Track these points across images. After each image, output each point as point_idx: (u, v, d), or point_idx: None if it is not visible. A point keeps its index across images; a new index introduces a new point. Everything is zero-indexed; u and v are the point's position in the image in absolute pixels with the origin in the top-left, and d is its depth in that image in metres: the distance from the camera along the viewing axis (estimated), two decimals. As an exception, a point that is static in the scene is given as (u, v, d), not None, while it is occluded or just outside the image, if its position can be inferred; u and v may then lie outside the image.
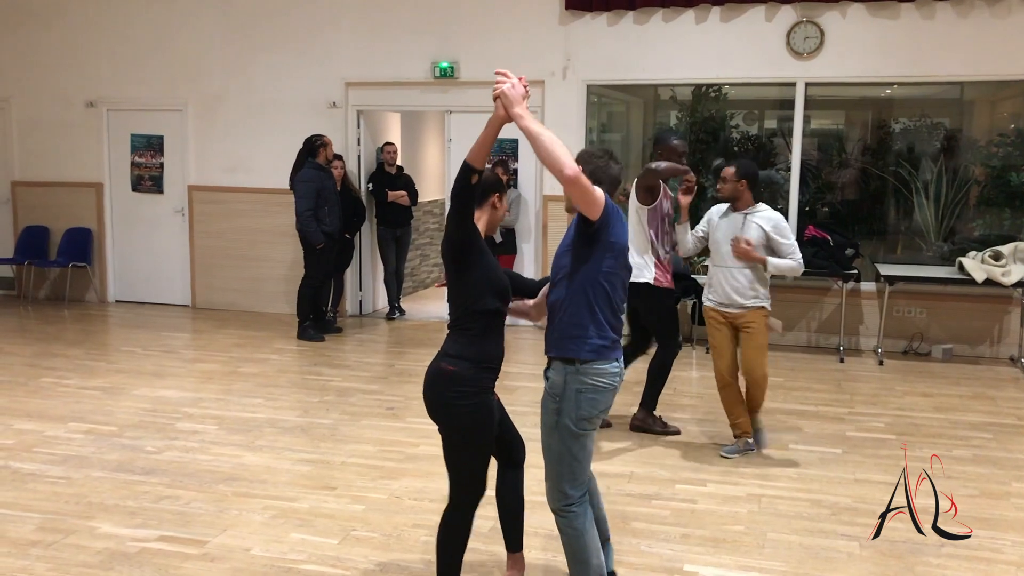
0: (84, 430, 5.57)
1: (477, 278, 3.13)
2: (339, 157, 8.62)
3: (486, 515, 4.25)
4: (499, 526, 4.15)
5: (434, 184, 10.98)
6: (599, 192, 3.07)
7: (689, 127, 8.63)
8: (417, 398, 3.43)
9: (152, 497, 4.52)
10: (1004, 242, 7.57)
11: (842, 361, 7.63)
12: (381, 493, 4.59)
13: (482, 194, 3.20)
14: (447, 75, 8.74)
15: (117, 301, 10.10)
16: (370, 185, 9.15)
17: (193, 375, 6.97)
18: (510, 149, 8.76)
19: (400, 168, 9.28)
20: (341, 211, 8.36)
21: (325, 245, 8.11)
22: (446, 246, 3.15)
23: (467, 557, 3.36)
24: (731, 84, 8.43)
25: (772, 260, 5.04)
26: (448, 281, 3.21)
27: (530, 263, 8.83)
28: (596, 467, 4.97)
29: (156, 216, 9.87)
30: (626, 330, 5.30)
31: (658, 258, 5.44)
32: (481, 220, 3.24)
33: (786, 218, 8.04)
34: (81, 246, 9.93)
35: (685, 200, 5.38)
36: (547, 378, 3.26)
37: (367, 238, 9.39)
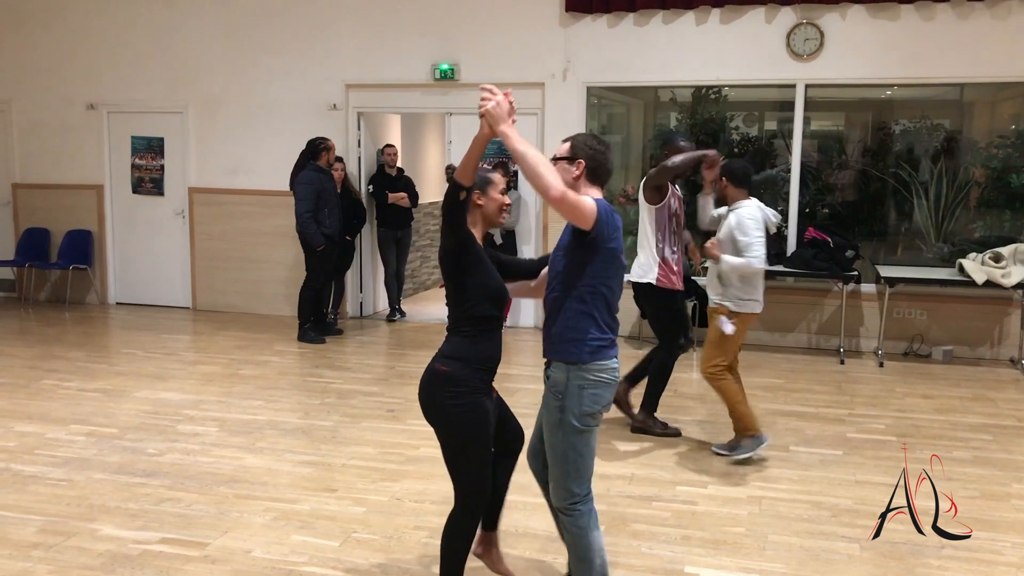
0: (85, 432, 5.58)
1: (473, 285, 3.17)
2: (340, 159, 8.62)
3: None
4: (501, 527, 4.16)
5: (434, 186, 10.99)
6: (588, 204, 3.06)
7: (689, 129, 8.64)
8: (417, 399, 3.43)
9: (153, 499, 4.52)
10: (1004, 244, 7.58)
11: (842, 363, 7.63)
12: (382, 495, 4.60)
13: (469, 197, 3.20)
14: (447, 77, 8.75)
15: (118, 303, 10.11)
16: (370, 187, 9.16)
17: (194, 377, 6.97)
18: (510, 152, 8.76)
19: (400, 170, 9.29)
20: (341, 213, 8.37)
21: (325, 247, 8.12)
22: (442, 255, 3.19)
23: (470, 558, 3.36)
24: (731, 86, 8.44)
25: (725, 258, 5.03)
26: (446, 287, 3.24)
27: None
28: (597, 467, 4.98)
29: (157, 218, 9.88)
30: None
31: (663, 258, 5.44)
32: (475, 224, 3.25)
33: (786, 219, 8.19)
34: (82, 248, 9.93)
35: (710, 175, 5.33)
36: (547, 377, 3.27)
37: (367, 240, 9.40)
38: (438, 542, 3.38)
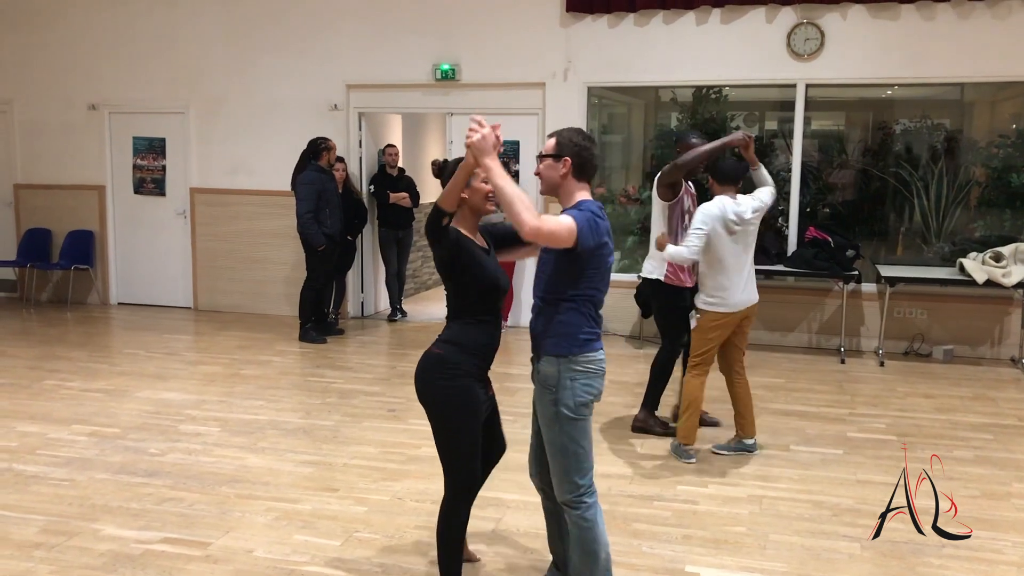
0: (87, 432, 5.59)
1: (469, 283, 3.25)
2: (341, 159, 8.63)
3: (487, 516, 4.27)
4: (499, 527, 4.17)
5: (435, 186, 10.98)
6: (565, 228, 3.05)
7: (690, 128, 8.64)
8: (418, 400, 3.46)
9: (155, 499, 4.53)
10: (1005, 243, 7.58)
11: (843, 362, 7.64)
12: (383, 495, 4.60)
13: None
14: (448, 77, 8.76)
15: (119, 303, 10.12)
16: (371, 187, 9.17)
17: (195, 377, 6.98)
18: (511, 151, 8.78)
19: (401, 170, 9.30)
20: (343, 213, 8.37)
21: (326, 247, 8.13)
22: (436, 261, 3.27)
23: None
24: (732, 85, 8.44)
25: (668, 247, 5.08)
26: (444, 284, 3.33)
27: (531, 263, 8.82)
28: (598, 467, 4.99)
29: (158, 218, 9.89)
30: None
31: None
32: (465, 220, 3.27)
33: (787, 219, 8.19)
34: (83, 249, 9.95)
35: (749, 156, 5.24)
36: (537, 372, 3.29)
37: (369, 240, 9.41)
38: (439, 541, 3.41)
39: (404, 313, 9.41)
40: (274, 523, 4.25)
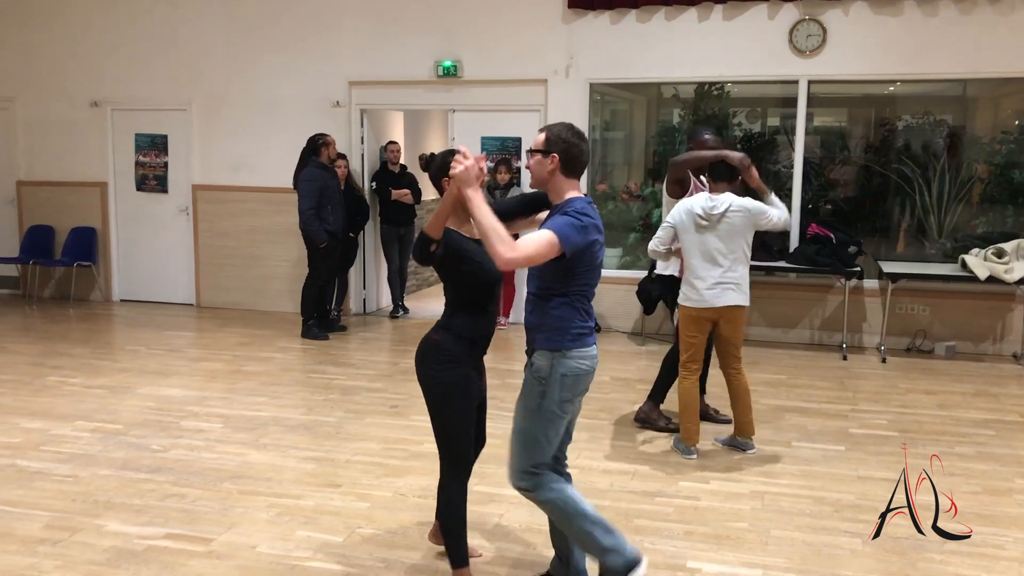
0: (90, 428, 5.60)
1: (462, 278, 3.36)
2: (343, 156, 8.64)
3: (489, 512, 4.28)
4: (501, 522, 4.18)
5: (437, 183, 10.98)
6: (543, 246, 3.08)
7: (692, 125, 8.64)
8: (421, 396, 3.48)
9: (158, 495, 4.54)
10: (1007, 239, 7.57)
11: (845, 359, 7.64)
12: (386, 491, 4.61)
13: (436, 183, 3.40)
14: (450, 74, 8.76)
15: (122, 300, 10.13)
16: (373, 184, 9.18)
17: (198, 374, 7.00)
18: (513, 148, 8.78)
19: (403, 167, 9.30)
20: (345, 210, 8.38)
21: (328, 244, 8.13)
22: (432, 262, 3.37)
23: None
24: (734, 82, 8.44)
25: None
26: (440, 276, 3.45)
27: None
28: (600, 463, 5.00)
29: (160, 215, 9.90)
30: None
31: None
32: (456, 212, 3.30)
33: (790, 214, 8.16)
34: (86, 245, 9.96)
35: (753, 181, 5.15)
36: (531, 364, 3.32)
37: (371, 237, 9.41)
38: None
39: (406, 309, 9.41)
40: (277, 519, 4.26)
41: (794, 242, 8.16)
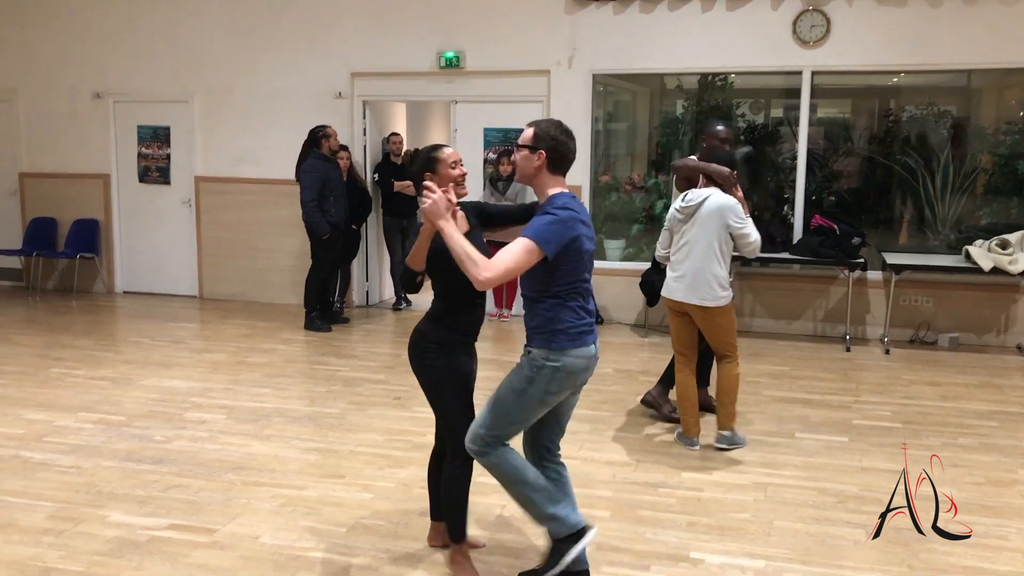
0: (93, 420, 5.61)
1: (445, 277, 3.41)
2: (345, 148, 8.63)
3: (492, 502, 4.28)
4: (505, 513, 4.19)
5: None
6: (519, 251, 3.10)
7: (695, 116, 8.62)
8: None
9: (161, 486, 4.55)
10: (1011, 230, 7.56)
11: (848, 350, 7.63)
12: (389, 482, 4.62)
13: (418, 180, 3.44)
14: (453, 65, 8.74)
15: (125, 292, 10.14)
16: (376, 175, 9.17)
17: (201, 365, 7.00)
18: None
19: (406, 158, 9.29)
20: (347, 202, 8.37)
21: (331, 235, 8.13)
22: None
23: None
24: (737, 73, 8.41)
25: None
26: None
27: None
28: (603, 455, 5.01)
29: (163, 207, 9.90)
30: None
31: None
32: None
33: (792, 207, 8.18)
34: (89, 237, 9.97)
35: (736, 197, 5.05)
36: (528, 352, 3.32)
37: (373, 229, 9.41)
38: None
39: (409, 302, 9.41)
40: (280, 510, 4.27)
41: (798, 233, 8.14)
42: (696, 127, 8.45)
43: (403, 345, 7.81)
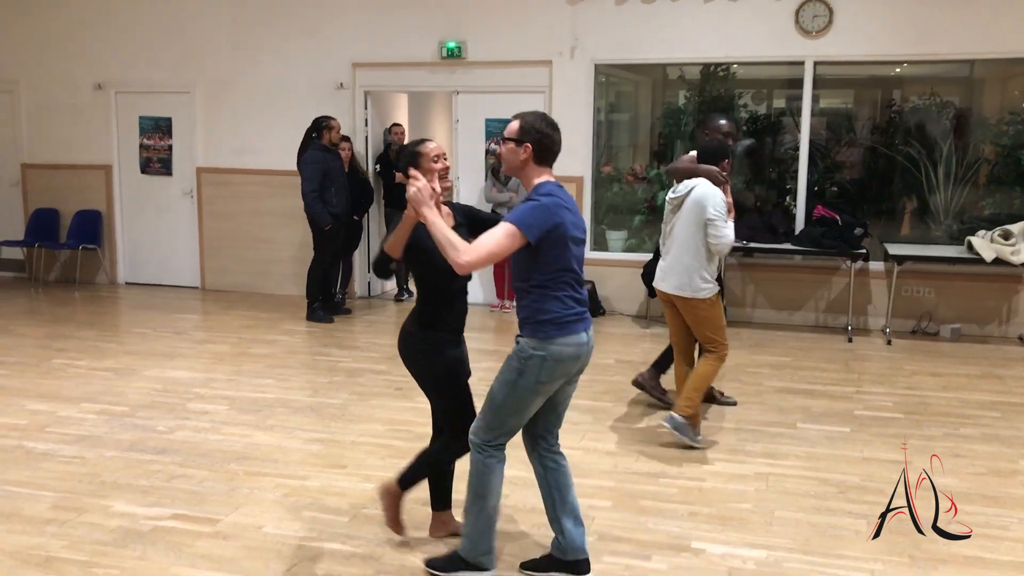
0: (96, 410, 5.62)
1: (424, 270, 3.50)
2: (347, 139, 8.62)
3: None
4: (507, 503, 4.19)
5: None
6: (501, 235, 3.12)
7: (698, 106, 8.60)
8: (424, 378, 3.52)
9: (164, 476, 4.56)
10: (1014, 221, 7.55)
11: (850, 341, 7.63)
12: (391, 472, 4.61)
13: (404, 173, 3.48)
14: (454, 55, 8.72)
15: (127, 283, 10.15)
16: (378, 166, 9.16)
17: (203, 356, 7.01)
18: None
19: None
20: (349, 193, 8.37)
21: (333, 226, 8.12)
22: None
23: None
24: (739, 63, 8.39)
25: None
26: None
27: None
28: (604, 445, 5.01)
29: (165, 198, 9.90)
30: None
31: None
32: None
33: (794, 197, 8.17)
34: (91, 228, 9.97)
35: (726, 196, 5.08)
36: (517, 342, 3.34)
37: (375, 220, 9.40)
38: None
39: (411, 293, 9.42)
40: (282, 500, 4.28)
41: (800, 224, 8.14)
42: (698, 117, 8.43)
43: (405, 336, 7.82)
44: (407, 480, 3.73)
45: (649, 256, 7.98)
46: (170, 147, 9.81)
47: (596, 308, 8.52)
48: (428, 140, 3.59)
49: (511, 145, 3.32)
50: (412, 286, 9.51)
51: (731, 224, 4.96)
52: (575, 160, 8.49)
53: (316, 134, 8.15)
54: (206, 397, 5.92)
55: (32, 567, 3.62)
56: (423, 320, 3.53)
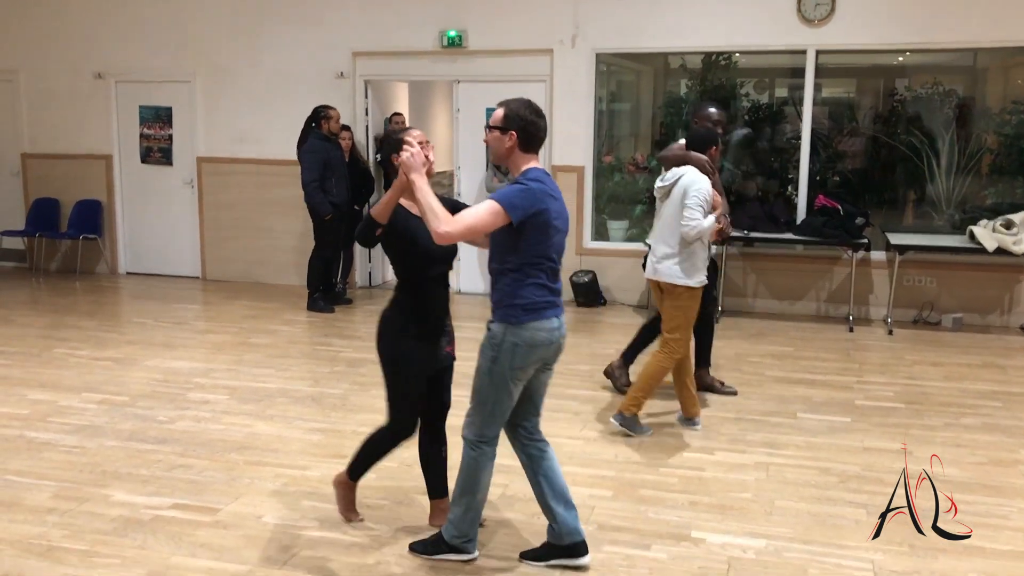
0: (97, 400, 5.62)
1: (401, 256, 3.54)
2: (347, 128, 8.60)
3: (494, 482, 4.28)
4: (507, 492, 4.20)
5: (442, 155, 10.93)
6: (484, 212, 3.17)
7: (699, 96, 8.57)
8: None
9: (165, 466, 4.57)
10: (1016, 211, 7.53)
11: (851, 330, 7.62)
12: (391, 461, 4.60)
13: (387, 163, 3.55)
14: (455, 44, 8.69)
15: (128, 273, 10.15)
16: (378, 156, 9.14)
17: (204, 346, 7.01)
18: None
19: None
20: (349, 182, 8.35)
21: (333, 216, 8.11)
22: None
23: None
24: (741, 52, 8.36)
25: None
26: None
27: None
28: (604, 435, 5.01)
29: (165, 188, 9.89)
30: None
31: None
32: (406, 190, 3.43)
33: (796, 187, 8.15)
34: (91, 218, 9.96)
35: (715, 185, 5.13)
36: (488, 329, 3.37)
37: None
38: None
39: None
40: (283, 489, 4.29)
41: (801, 214, 8.12)
42: (720, 107, 8.39)
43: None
44: (354, 470, 3.84)
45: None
46: (170, 136, 9.79)
47: (597, 298, 8.52)
48: (411, 128, 3.60)
49: (496, 133, 3.35)
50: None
51: (711, 218, 4.88)
52: (576, 149, 8.47)
53: (315, 123, 8.13)
54: (207, 387, 5.92)
55: (33, 556, 3.63)
56: (397, 304, 3.59)
